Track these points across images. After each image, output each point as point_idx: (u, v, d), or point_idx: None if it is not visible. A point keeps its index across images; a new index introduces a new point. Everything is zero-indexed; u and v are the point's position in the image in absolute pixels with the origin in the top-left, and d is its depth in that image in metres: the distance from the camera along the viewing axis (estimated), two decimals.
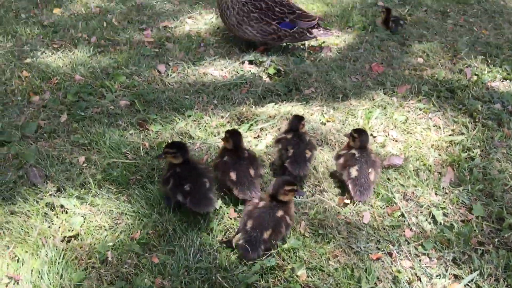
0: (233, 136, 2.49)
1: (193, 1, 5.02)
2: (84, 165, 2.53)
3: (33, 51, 3.65)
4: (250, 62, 3.84)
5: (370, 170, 2.55)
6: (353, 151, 2.62)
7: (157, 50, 3.93)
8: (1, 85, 3.16)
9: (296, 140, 2.63)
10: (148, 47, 3.93)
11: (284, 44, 4.17)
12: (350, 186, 2.51)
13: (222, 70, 3.71)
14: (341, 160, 2.62)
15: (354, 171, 2.54)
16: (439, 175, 2.74)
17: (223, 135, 2.68)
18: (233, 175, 2.38)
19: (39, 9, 4.41)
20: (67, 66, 3.50)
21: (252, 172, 2.42)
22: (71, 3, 4.64)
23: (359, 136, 2.63)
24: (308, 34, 4.07)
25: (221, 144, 2.67)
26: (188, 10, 4.80)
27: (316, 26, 4.10)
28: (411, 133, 3.14)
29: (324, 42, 4.33)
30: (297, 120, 2.71)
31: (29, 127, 2.73)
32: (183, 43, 4.06)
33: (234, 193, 2.37)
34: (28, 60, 3.51)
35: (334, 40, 4.42)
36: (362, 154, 2.61)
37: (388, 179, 2.67)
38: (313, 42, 4.31)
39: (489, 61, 4.11)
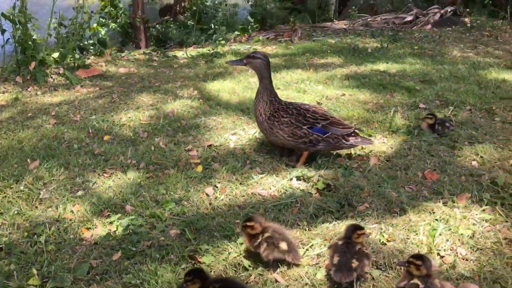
0: None
1: (235, 117, 5.14)
2: None
3: (85, 183, 3.72)
4: (298, 178, 3.77)
5: None
6: (415, 280, 2.40)
7: (204, 171, 3.94)
8: (55, 222, 3.18)
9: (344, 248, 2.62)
10: (195, 169, 3.95)
11: (325, 152, 4.13)
12: None
13: (270, 189, 3.65)
14: None
15: None
16: None
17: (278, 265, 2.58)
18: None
19: (91, 138, 4.59)
20: (118, 196, 3.53)
21: None
22: (120, 129, 4.83)
23: (423, 263, 2.42)
24: (344, 141, 4.02)
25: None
26: (231, 126, 4.90)
27: (353, 134, 4.06)
28: (481, 250, 2.89)
29: (371, 151, 4.25)
30: (352, 229, 2.69)
31: (81, 268, 2.67)
32: (229, 162, 4.07)
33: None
34: (80, 193, 3.57)
35: (380, 147, 4.35)
36: (427, 282, 2.39)
37: None
38: (359, 151, 4.24)
39: None
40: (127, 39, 13.12)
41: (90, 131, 4.73)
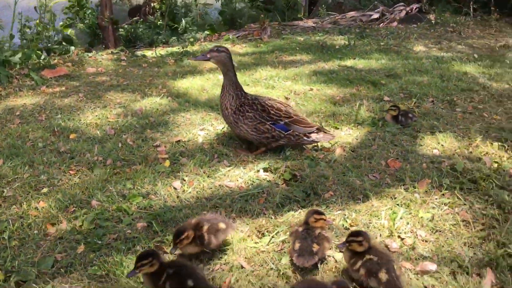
0: None
1: (204, 113, 5.16)
2: None
3: (50, 180, 3.68)
4: (265, 170, 3.83)
5: (395, 267, 2.46)
6: (367, 256, 2.49)
7: (172, 166, 3.95)
8: (18, 219, 3.14)
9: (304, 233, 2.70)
10: (163, 164, 3.96)
11: (289, 147, 4.20)
12: None
13: (238, 180, 3.69)
14: (363, 271, 2.48)
15: (383, 275, 2.40)
16: (479, 278, 2.56)
17: (243, 252, 2.65)
18: None
19: (56, 136, 4.54)
20: (84, 192, 3.51)
21: None
22: (87, 127, 4.79)
23: (364, 237, 2.51)
24: (305, 138, 4.14)
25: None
26: (199, 122, 4.92)
27: (316, 132, 4.17)
28: (440, 231, 3.00)
29: (337, 142, 4.34)
30: (310, 214, 2.77)
31: (46, 262, 2.66)
32: (197, 156, 4.09)
33: None
34: (45, 190, 3.53)
35: (346, 138, 4.45)
36: (377, 254, 2.49)
37: (425, 287, 2.49)
38: (326, 144, 4.32)
39: (507, 147, 4.05)
40: (95, 40, 12.95)
41: (56, 130, 4.68)
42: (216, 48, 4.03)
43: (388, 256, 2.50)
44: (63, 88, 6.32)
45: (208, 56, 4.04)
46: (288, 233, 2.94)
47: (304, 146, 4.24)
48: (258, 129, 4.04)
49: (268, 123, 4.04)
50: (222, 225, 2.79)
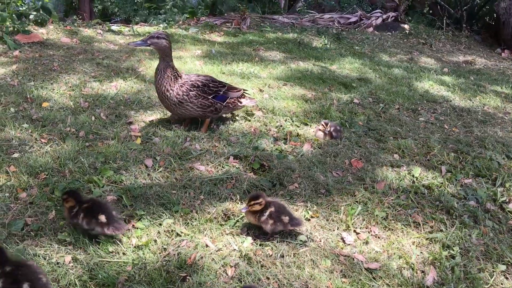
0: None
1: None
2: (70, 265, 2.50)
3: (21, 145, 3.70)
4: (235, 157, 3.97)
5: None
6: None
7: (144, 144, 4.03)
8: None
9: None
10: (135, 142, 4.03)
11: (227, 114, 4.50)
12: None
13: (208, 164, 3.81)
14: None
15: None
16: (423, 274, 2.79)
17: (208, 232, 2.78)
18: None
19: (28, 103, 4.53)
20: (55, 161, 3.55)
21: None
22: (60, 97, 4.79)
23: (262, 197, 2.99)
24: (239, 104, 4.63)
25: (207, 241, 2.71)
26: None
27: (243, 96, 4.68)
28: (392, 230, 3.23)
29: (306, 137, 4.53)
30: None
31: (16, 224, 2.72)
32: (170, 137, 4.18)
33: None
34: (16, 155, 3.55)
35: (314, 136, 4.63)
36: (273, 205, 3.01)
37: (374, 278, 2.70)
38: (294, 138, 4.50)
39: (461, 158, 4.34)
40: (70, 10, 12.70)
41: (28, 97, 4.66)
42: (156, 34, 4.14)
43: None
44: (37, 55, 6.24)
45: (148, 42, 4.13)
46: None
47: (273, 138, 4.40)
48: (204, 105, 4.34)
49: (210, 97, 4.36)
50: (102, 218, 2.71)
